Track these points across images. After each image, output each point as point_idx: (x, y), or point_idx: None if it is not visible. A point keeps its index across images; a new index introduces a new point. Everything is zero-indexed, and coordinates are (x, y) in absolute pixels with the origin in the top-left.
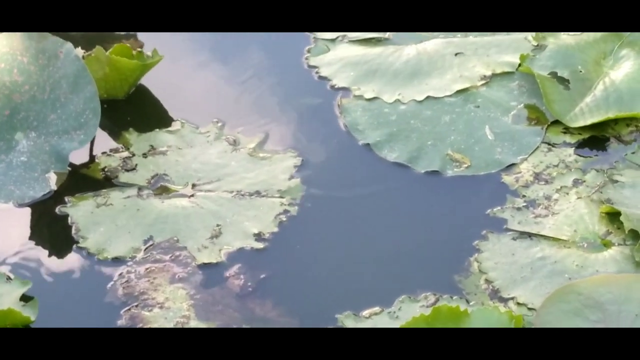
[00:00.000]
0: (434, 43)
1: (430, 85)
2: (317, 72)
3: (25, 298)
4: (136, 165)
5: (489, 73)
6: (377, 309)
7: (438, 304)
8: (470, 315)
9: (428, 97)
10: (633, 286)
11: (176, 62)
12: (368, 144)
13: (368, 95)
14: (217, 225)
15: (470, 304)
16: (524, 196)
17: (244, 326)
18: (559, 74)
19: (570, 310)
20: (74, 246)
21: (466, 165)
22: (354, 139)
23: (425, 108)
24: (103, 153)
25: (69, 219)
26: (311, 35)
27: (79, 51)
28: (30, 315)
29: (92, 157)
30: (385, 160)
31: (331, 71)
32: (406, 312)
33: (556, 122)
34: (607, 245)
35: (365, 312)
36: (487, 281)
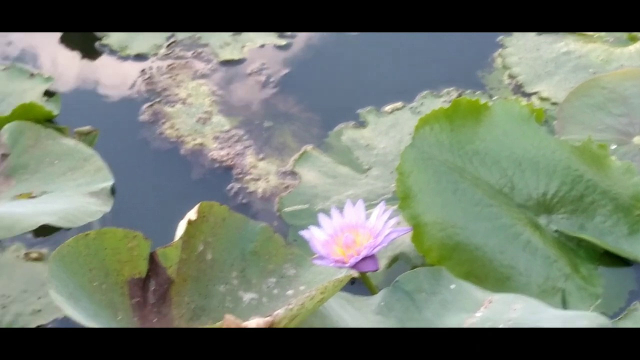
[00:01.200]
0: None
1: None
2: None
3: (48, 93)
4: None
5: None
6: (399, 104)
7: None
8: (491, 108)
9: None
10: None
11: None
12: None
13: None
14: None
15: (493, 98)
16: None
17: (265, 122)
18: None
19: (594, 104)
20: (97, 43)
21: None
22: None
23: None
24: None
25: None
26: None
27: None
28: (52, 109)
29: None
30: None
31: None
32: (428, 107)
33: None
34: (632, 39)
35: (387, 107)
36: (511, 76)
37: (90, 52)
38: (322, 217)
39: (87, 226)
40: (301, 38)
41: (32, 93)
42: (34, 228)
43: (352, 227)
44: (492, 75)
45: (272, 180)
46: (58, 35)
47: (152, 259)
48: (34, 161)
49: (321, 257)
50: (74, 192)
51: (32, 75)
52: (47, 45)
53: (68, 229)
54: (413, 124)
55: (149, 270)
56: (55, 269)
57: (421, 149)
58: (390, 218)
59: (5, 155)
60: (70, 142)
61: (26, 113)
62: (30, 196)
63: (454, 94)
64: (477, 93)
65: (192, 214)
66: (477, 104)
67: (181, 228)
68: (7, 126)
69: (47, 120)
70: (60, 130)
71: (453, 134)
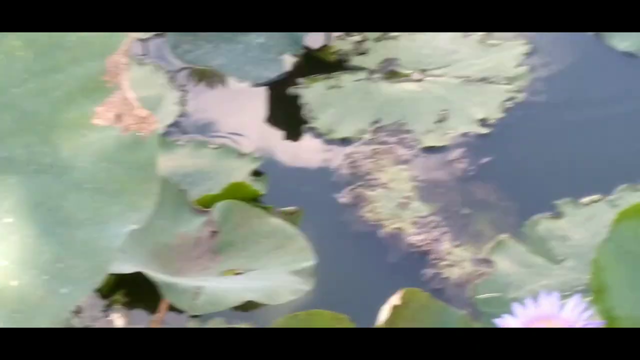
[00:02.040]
0: None
1: None
2: None
3: (256, 173)
4: (368, 49)
5: None
6: (596, 196)
7: None
8: None
9: None
10: None
11: None
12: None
13: None
14: (443, 110)
15: None
16: None
17: (463, 209)
18: None
19: None
20: (305, 126)
21: None
22: None
23: None
24: (337, 37)
25: (301, 99)
26: None
27: None
28: (260, 189)
29: (325, 41)
30: (615, 50)
31: None
32: (626, 201)
33: None
34: None
35: (585, 200)
36: None
37: (298, 135)
38: (516, 307)
39: (288, 304)
40: (503, 127)
41: (240, 172)
42: (239, 304)
43: (546, 318)
44: None
45: (467, 267)
46: (266, 116)
47: None
48: (241, 239)
49: None
50: (278, 270)
51: (241, 154)
52: (255, 126)
53: (268, 306)
54: (610, 217)
55: None
56: None
57: (618, 242)
58: (584, 311)
59: (214, 233)
60: (275, 221)
61: (235, 191)
62: (235, 273)
63: None
64: None
65: (396, 300)
66: None
67: (384, 312)
68: (217, 205)
69: (254, 199)
70: (265, 210)
71: None
